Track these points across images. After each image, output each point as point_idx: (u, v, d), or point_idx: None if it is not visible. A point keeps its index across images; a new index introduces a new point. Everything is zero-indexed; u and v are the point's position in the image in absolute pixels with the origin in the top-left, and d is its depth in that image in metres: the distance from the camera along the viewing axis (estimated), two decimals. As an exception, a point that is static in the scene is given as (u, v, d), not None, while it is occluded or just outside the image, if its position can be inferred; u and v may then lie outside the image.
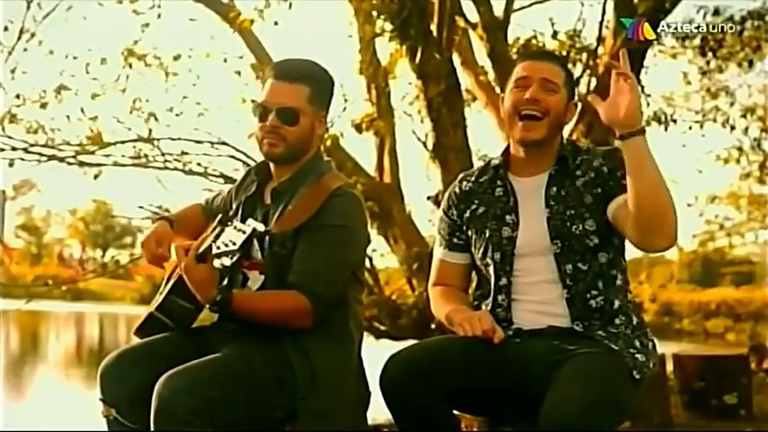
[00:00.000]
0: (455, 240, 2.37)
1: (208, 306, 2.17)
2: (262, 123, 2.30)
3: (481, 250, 2.29)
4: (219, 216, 2.38)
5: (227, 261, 1.99)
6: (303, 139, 2.31)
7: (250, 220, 2.05)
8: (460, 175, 2.46)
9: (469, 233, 2.33)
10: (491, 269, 2.27)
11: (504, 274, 2.24)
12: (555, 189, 2.23)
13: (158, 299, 2.32)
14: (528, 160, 2.28)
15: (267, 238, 2.24)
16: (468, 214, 2.34)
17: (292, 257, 2.21)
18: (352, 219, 2.26)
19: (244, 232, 2.01)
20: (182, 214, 2.53)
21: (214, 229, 2.22)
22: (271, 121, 2.28)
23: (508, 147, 2.35)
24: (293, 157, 2.32)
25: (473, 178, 2.39)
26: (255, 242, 2.29)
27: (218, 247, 2.00)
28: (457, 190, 2.40)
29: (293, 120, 2.27)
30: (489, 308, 2.26)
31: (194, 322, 2.34)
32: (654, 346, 2.23)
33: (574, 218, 2.19)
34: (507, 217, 2.26)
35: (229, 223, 2.14)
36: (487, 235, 2.27)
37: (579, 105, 2.36)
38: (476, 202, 2.34)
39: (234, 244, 1.99)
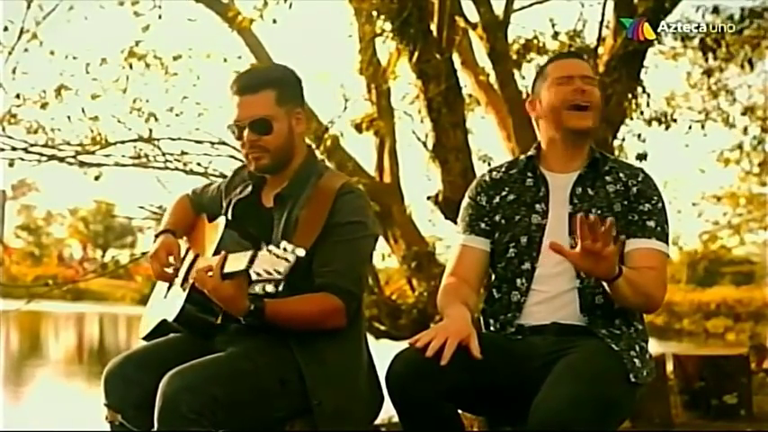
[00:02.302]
0: (482, 225, 2.39)
1: (242, 318, 2.14)
2: (241, 141, 2.29)
3: (508, 234, 2.32)
4: (225, 221, 2.36)
5: (270, 288, 1.93)
6: (285, 144, 2.29)
7: (285, 243, 1.97)
8: (488, 168, 2.54)
9: (497, 218, 2.36)
10: (515, 252, 2.29)
11: (529, 259, 2.28)
12: (581, 189, 2.30)
13: (172, 310, 2.28)
14: (564, 154, 2.34)
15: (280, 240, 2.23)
16: (497, 200, 2.38)
17: (307, 261, 2.15)
18: (363, 214, 2.28)
19: (287, 260, 1.93)
20: (177, 219, 2.51)
21: (219, 248, 2.18)
22: (247, 137, 2.27)
23: (539, 144, 2.41)
24: (282, 162, 2.32)
25: (503, 169, 2.45)
26: (263, 244, 2.29)
27: (258, 274, 1.93)
28: (487, 178, 2.44)
29: (267, 128, 2.26)
30: (504, 291, 2.30)
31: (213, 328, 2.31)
32: (650, 356, 2.25)
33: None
34: (537, 206, 2.32)
35: (262, 246, 2.02)
36: (516, 220, 2.32)
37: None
38: (506, 189, 2.39)
39: (279, 273, 1.92)
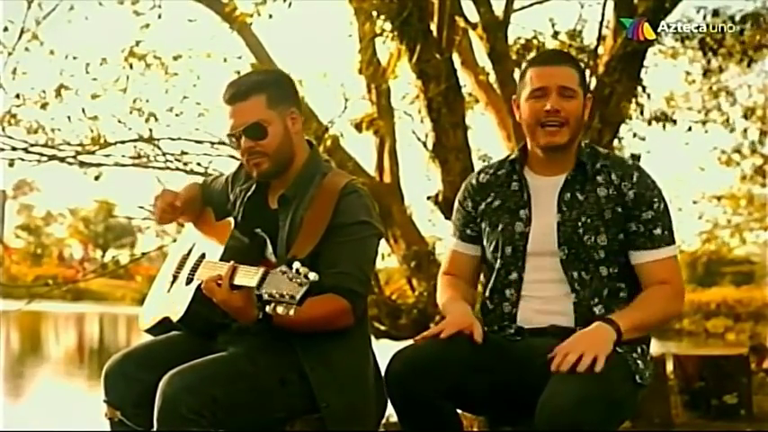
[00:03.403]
0: (468, 232, 2.38)
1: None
2: (240, 150, 2.29)
3: (493, 243, 2.29)
4: (232, 221, 2.36)
5: (281, 310, 1.90)
6: (283, 146, 2.28)
7: (298, 265, 1.93)
8: (479, 168, 2.47)
9: (483, 225, 2.34)
10: (502, 263, 2.27)
11: (516, 269, 2.25)
12: (569, 195, 2.24)
13: (177, 309, 2.28)
14: (546, 160, 2.28)
15: (286, 242, 2.24)
16: (483, 206, 2.34)
17: (309, 261, 2.14)
18: (367, 213, 2.27)
19: (300, 284, 1.91)
20: (189, 195, 2.53)
21: (227, 253, 2.18)
22: (244, 144, 2.26)
23: (525, 144, 2.34)
24: (283, 164, 2.31)
25: (492, 171, 2.39)
26: (269, 244, 2.30)
27: (271, 295, 1.91)
28: (474, 182, 2.40)
29: (262, 133, 2.25)
30: (496, 302, 2.28)
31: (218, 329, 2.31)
32: (651, 357, 2.24)
33: (588, 227, 2.19)
34: (521, 212, 2.27)
35: (277, 269, 1.98)
36: (500, 229, 2.28)
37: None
38: (492, 194, 2.34)
39: (292, 297, 1.90)
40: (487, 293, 2.33)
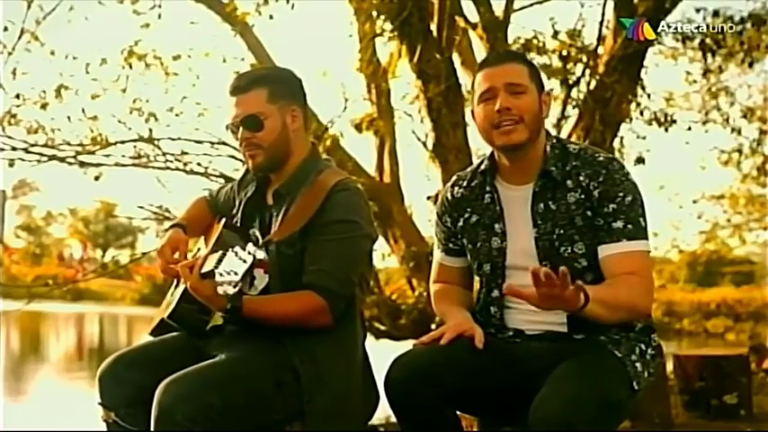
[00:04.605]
0: (451, 246, 2.36)
1: (221, 315, 2.17)
2: (238, 141, 2.30)
3: (476, 261, 2.28)
4: (224, 219, 2.39)
5: (229, 289, 1.95)
6: (279, 140, 2.28)
7: (250, 246, 1.99)
8: (453, 178, 2.40)
9: (464, 241, 2.31)
10: (484, 281, 2.26)
11: (496, 286, 2.23)
12: (542, 206, 2.17)
13: (169, 307, 2.30)
14: (513, 167, 2.22)
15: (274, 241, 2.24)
16: (461, 223, 2.31)
17: (299, 258, 2.20)
18: (356, 212, 2.24)
19: (245, 261, 1.95)
20: (191, 215, 2.52)
21: (216, 247, 2.18)
22: (241, 135, 2.27)
23: (493, 152, 2.28)
24: (278, 159, 2.31)
25: (465, 183, 2.33)
26: (258, 240, 2.30)
27: (221, 274, 1.96)
28: (449, 196, 2.36)
29: (258, 125, 2.26)
30: (485, 316, 2.27)
31: (206, 326, 2.31)
32: (655, 354, 2.19)
33: (563, 239, 2.14)
34: (496, 226, 2.23)
35: (231, 248, 2.03)
36: (478, 246, 2.25)
37: (552, 93, 2.32)
38: (468, 210, 2.30)
39: (236, 274, 1.94)
40: (477, 308, 2.31)
